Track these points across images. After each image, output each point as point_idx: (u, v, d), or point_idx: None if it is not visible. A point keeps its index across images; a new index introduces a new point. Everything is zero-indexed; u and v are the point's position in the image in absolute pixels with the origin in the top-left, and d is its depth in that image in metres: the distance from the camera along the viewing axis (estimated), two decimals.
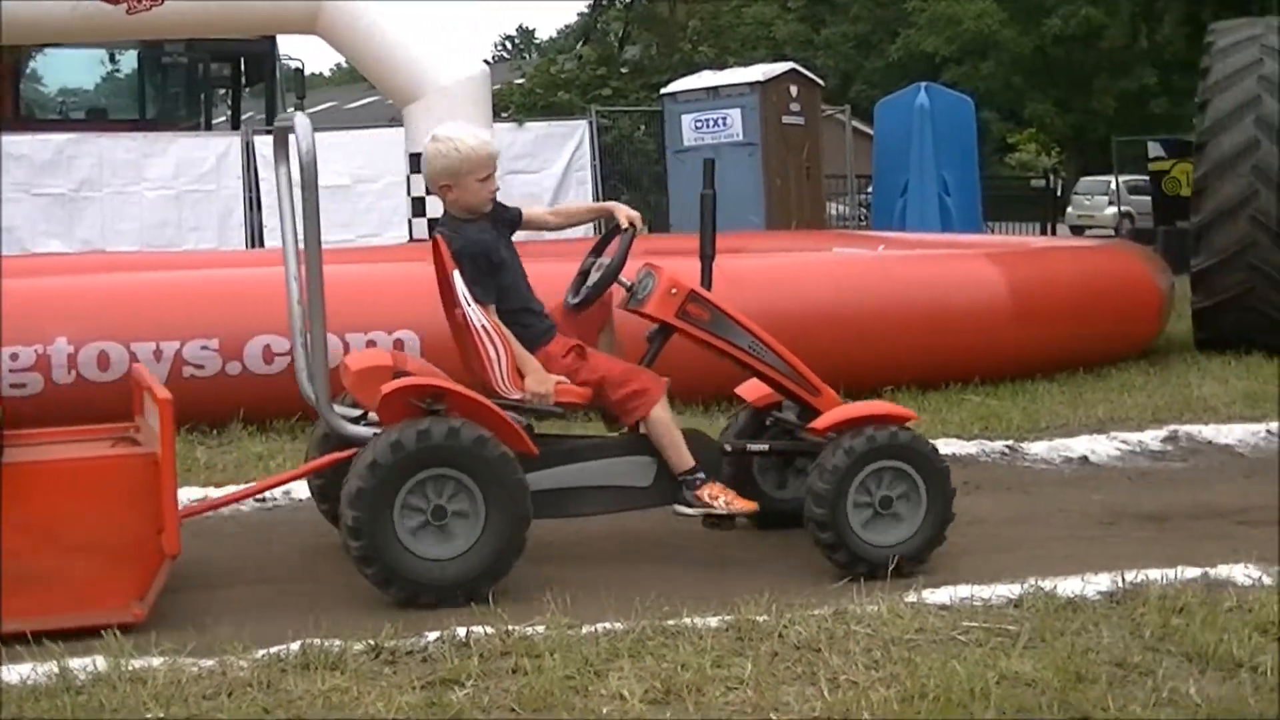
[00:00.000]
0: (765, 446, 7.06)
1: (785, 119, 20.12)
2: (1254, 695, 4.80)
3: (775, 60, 25.80)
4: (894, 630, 5.39)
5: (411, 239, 15.43)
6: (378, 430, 6.22)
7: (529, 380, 6.46)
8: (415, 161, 15.16)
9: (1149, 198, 28.58)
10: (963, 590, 5.90)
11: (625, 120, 25.99)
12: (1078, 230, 41.71)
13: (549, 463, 6.50)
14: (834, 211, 27.54)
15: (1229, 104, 13.47)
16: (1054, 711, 4.65)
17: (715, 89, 20.78)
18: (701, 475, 6.58)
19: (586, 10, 36.18)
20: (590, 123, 23.59)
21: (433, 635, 5.36)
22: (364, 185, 21.69)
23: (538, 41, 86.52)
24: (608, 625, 5.46)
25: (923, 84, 21.11)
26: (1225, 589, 6.01)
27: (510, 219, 6.85)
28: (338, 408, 6.52)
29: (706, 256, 7.04)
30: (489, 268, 6.49)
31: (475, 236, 6.51)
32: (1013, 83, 53.56)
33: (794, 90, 20.45)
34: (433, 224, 14.72)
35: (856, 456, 6.45)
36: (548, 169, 23.15)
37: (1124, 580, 6.04)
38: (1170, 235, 21.52)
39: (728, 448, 6.93)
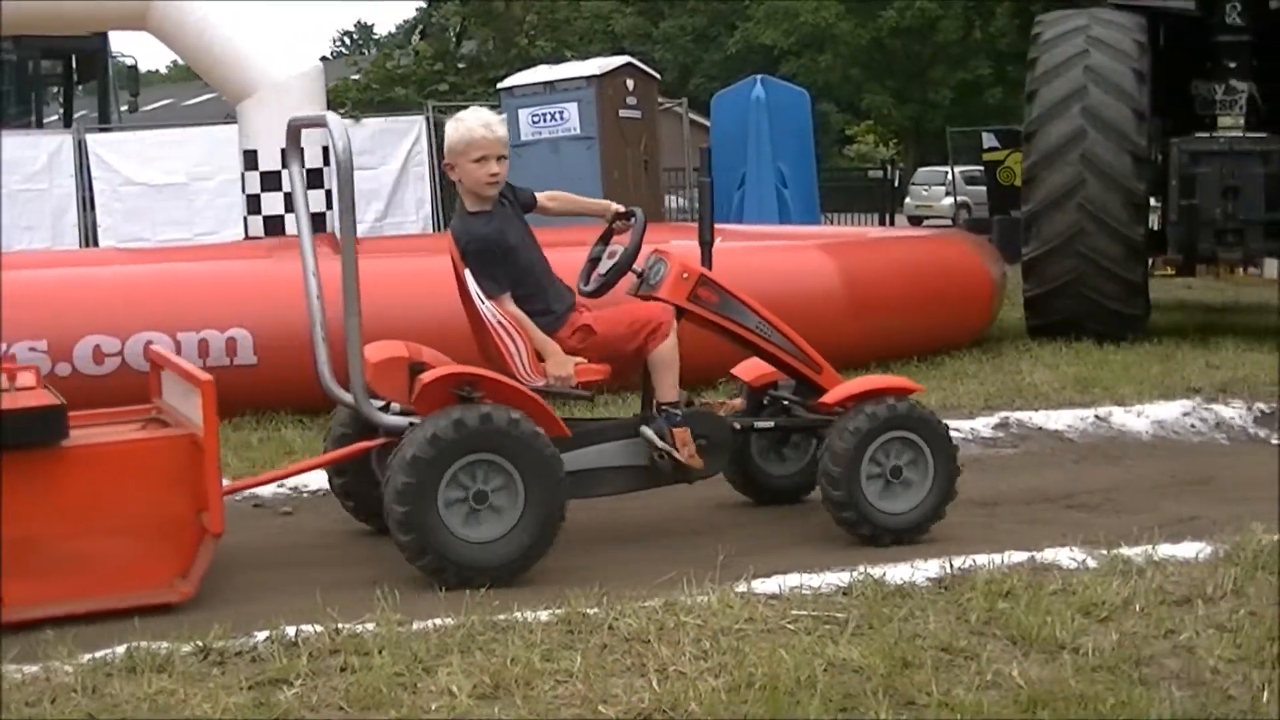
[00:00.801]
0: (772, 424, 7.33)
1: (622, 112, 20.13)
2: (1074, 676, 4.87)
3: (613, 54, 25.82)
4: (724, 620, 5.40)
5: (247, 237, 15.25)
6: (413, 420, 6.37)
7: (550, 364, 6.66)
8: (250, 158, 15.00)
9: (984, 187, 28.90)
10: (792, 579, 5.92)
11: None
12: (916, 221, 42.09)
13: (570, 445, 6.68)
14: (673, 204, 27.59)
15: (1056, 94, 13.67)
16: (880, 697, 4.68)
17: (552, 83, 20.76)
18: (680, 415, 6.85)
19: (424, 6, 35.96)
20: (427, 118, 23.47)
21: (261, 635, 5.30)
22: (200, 183, 21.49)
23: (376, 37, 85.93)
24: (438, 621, 5.43)
25: (759, 77, 21.19)
26: (1051, 572, 6.09)
27: (523, 202, 6.98)
28: (347, 395, 6.64)
29: (706, 242, 7.46)
30: (497, 258, 6.64)
31: (479, 231, 6.65)
32: (850, 75, 54.06)
33: (631, 84, 20.47)
34: (269, 221, 14.64)
35: (868, 429, 6.82)
36: (385, 165, 23.04)
37: (952, 566, 6.10)
38: (1005, 224, 21.74)
39: (737, 425, 7.17)
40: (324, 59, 17.68)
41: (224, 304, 9.91)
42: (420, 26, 35.51)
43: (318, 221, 14.99)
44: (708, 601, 5.62)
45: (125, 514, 6.02)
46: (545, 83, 20.86)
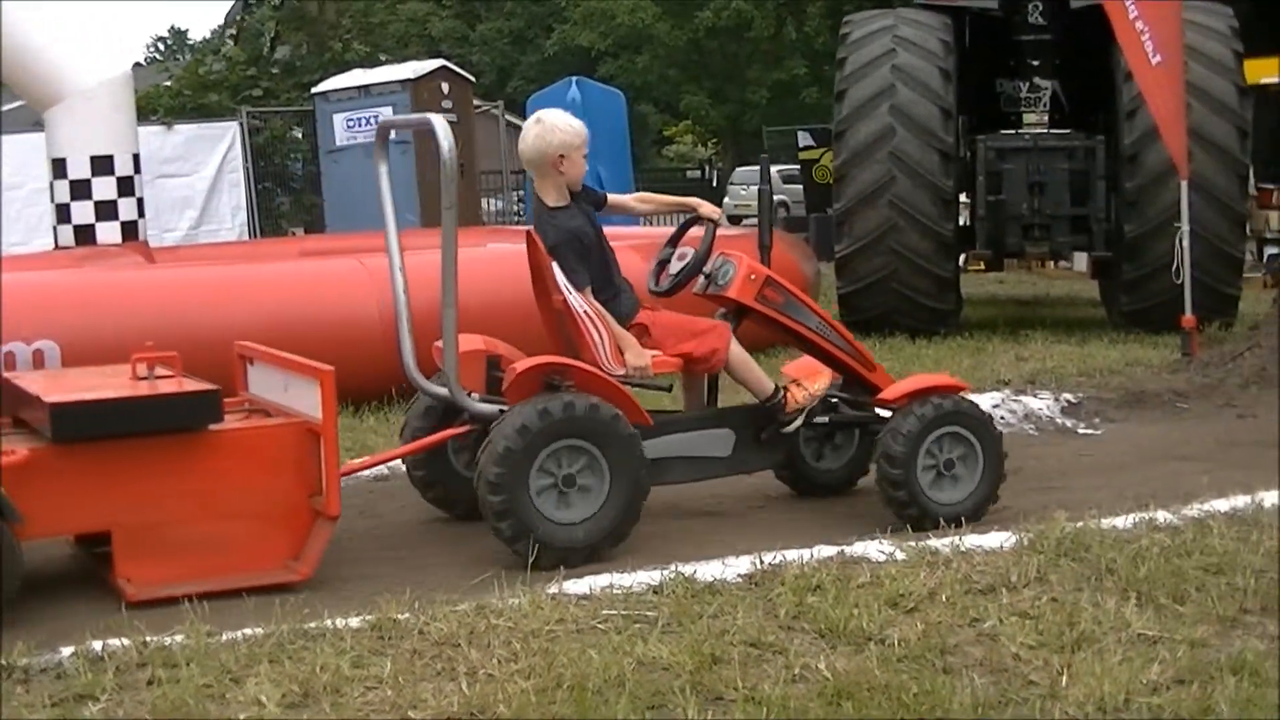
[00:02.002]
0: (827, 419, 7.64)
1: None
2: (880, 667, 4.94)
3: (429, 57, 25.72)
4: (534, 622, 5.42)
5: (57, 247, 15.00)
6: (503, 407, 6.70)
7: (629, 355, 7.01)
8: (58, 167, 14.78)
9: (801, 186, 29.19)
10: (603, 579, 5.96)
11: (277, 121, 25.68)
12: (735, 220, 42.26)
13: (649, 434, 7.00)
14: (491, 207, 27.53)
15: (865, 93, 13.88)
16: (688, 694, 4.72)
17: (366, 87, 20.70)
18: (782, 391, 7.37)
19: (237, 10, 35.55)
20: (241, 124, 23.25)
21: (67, 651, 5.23)
22: (11, 192, 21.05)
23: (191, 42, 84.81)
24: (248, 631, 5.40)
25: (574, 78, 21.23)
26: (860, 565, 6.17)
27: (594, 201, 7.37)
28: (433, 386, 7.07)
29: (765, 246, 7.75)
30: (582, 252, 7.01)
31: (567, 225, 7.02)
32: (668, 75, 54.22)
33: (445, 87, 20.45)
34: (79, 231, 14.41)
35: (927, 422, 7.17)
36: (199, 172, 22.77)
37: (762, 562, 6.16)
38: (821, 222, 22.02)
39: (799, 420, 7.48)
40: (138, 65, 17.40)
41: (31, 315, 9.73)
42: (233, 31, 35.08)
43: (129, 230, 14.82)
44: (519, 604, 5.64)
45: (252, 497, 6.37)
46: (360, 87, 20.79)
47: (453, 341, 6.70)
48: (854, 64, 14.11)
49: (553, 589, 5.86)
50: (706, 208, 7.57)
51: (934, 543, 6.48)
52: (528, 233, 7.16)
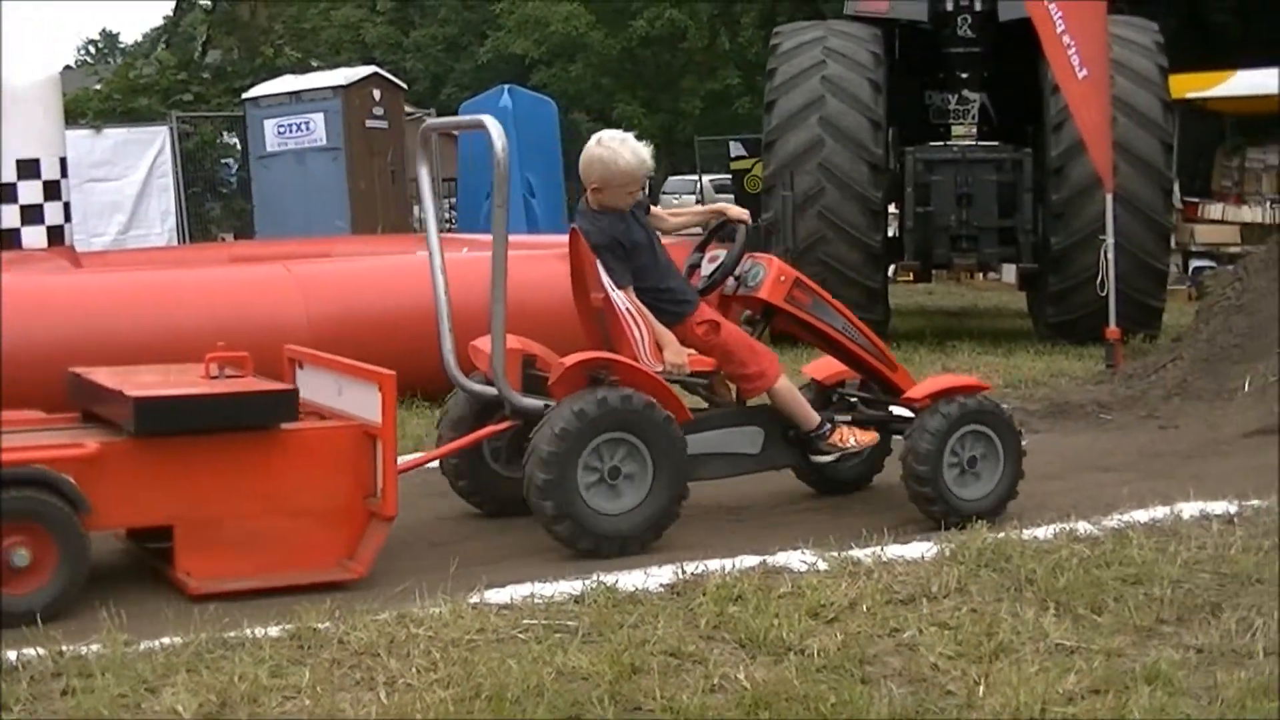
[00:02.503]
0: (849, 418, 7.76)
1: (369, 122, 20.08)
2: (799, 677, 4.95)
3: (363, 64, 25.66)
4: (455, 631, 5.40)
5: None
6: (547, 402, 6.91)
7: (667, 353, 7.19)
8: None
9: (733, 196, 29.25)
10: (525, 589, 5.94)
11: (207, 126, 25.56)
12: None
13: (686, 430, 7.15)
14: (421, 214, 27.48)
15: (795, 104, 13.94)
16: (606, 703, 4.73)
17: (298, 93, 20.63)
18: (829, 426, 7.49)
19: (169, 14, 35.34)
20: (171, 129, 23.12)
21: None
22: None
23: (122, 46, 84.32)
24: (166, 640, 5.34)
25: (506, 86, 21.24)
26: (782, 575, 6.19)
27: (644, 204, 7.48)
28: (473, 384, 7.30)
29: (789, 249, 8.00)
30: (625, 253, 7.17)
31: (609, 228, 7.18)
32: (602, 84, 54.31)
33: (377, 94, 20.43)
34: (4, 235, 14.29)
35: (952, 421, 7.37)
36: (129, 176, 22.63)
37: (684, 571, 6.17)
38: (752, 232, 22.05)
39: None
40: (67, 68, 17.29)
41: None
42: (165, 35, 34.90)
43: (55, 234, 14.71)
44: (439, 613, 5.62)
45: (312, 497, 6.50)
46: (291, 93, 20.72)
47: (501, 340, 6.92)
48: (784, 75, 14.17)
49: (474, 598, 5.84)
50: (735, 211, 7.76)
51: (856, 553, 6.49)
52: (571, 230, 7.39)
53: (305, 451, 6.51)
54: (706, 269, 7.69)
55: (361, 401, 6.59)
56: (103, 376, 6.73)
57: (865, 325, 7.91)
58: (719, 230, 7.84)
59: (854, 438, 7.57)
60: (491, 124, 6.80)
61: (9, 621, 5.61)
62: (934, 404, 7.46)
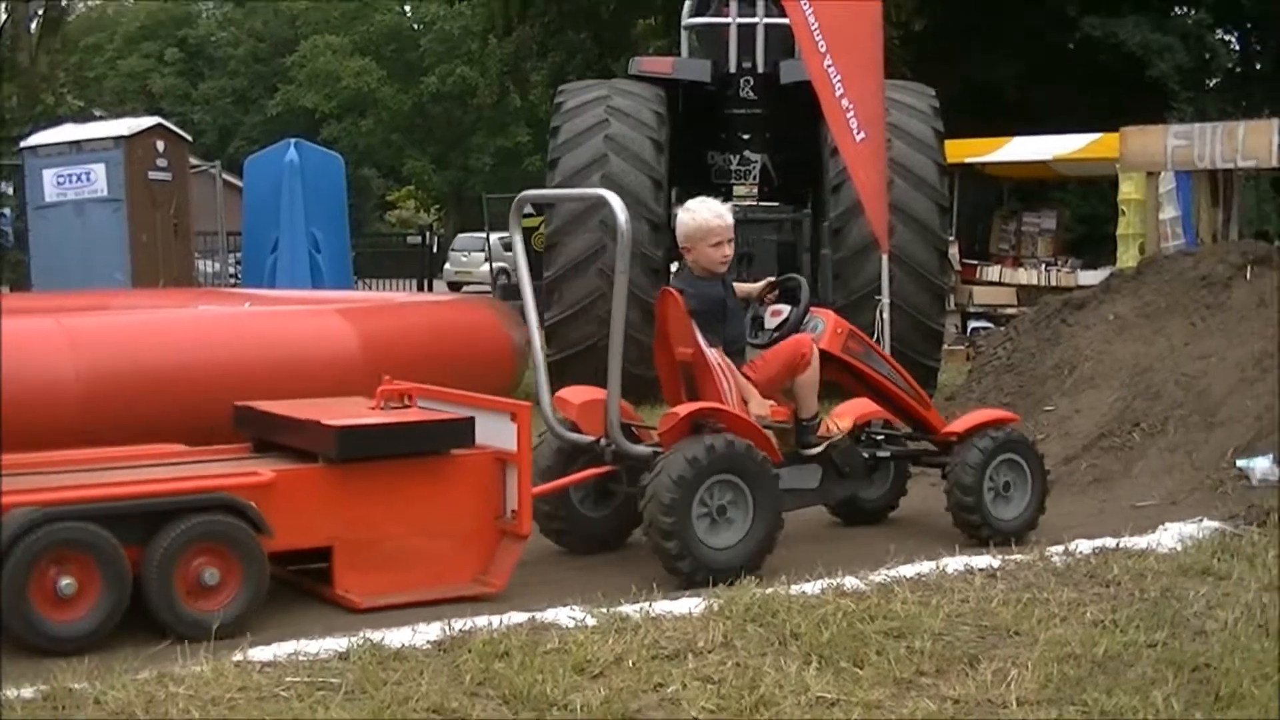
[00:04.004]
0: (889, 453, 8.86)
1: (151, 174, 19.76)
2: None
3: (150, 114, 25.31)
4: (216, 690, 5.35)
5: None
6: (656, 448, 7.70)
7: (752, 405, 8.04)
8: None
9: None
10: (289, 646, 5.90)
11: None
12: (455, 286, 42.33)
13: None
14: (208, 269, 27.15)
15: (578, 162, 13.96)
16: None
17: (78, 143, 20.25)
18: (819, 421, 8.39)
19: None
20: None
21: None
22: None
23: None
24: None
25: (293, 140, 21.02)
26: (550, 632, 6.21)
27: (731, 279, 8.48)
28: (566, 431, 8.06)
29: (827, 303, 8.57)
30: (721, 317, 8.13)
31: (710, 293, 8.13)
32: (392, 140, 54.24)
33: (161, 145, 20.11)
34: None
35: (989, 452, 8.46)
36: None
37: (451, 628, 6.17)
38: (540, 290, 22.07)
39: (867, 455, 8.66)
40: None
41: None
42: None
43: None
44: (201, 671, 5.55)
45: (457, 518, 7.29)
46: (71, 142, 20.33)
47: (616, 394, 7.69)
48: (567, 133, 14.20)
49: (238, 656, 5.79)
50: (769, 283, 8.80)
51: (625, 609, 6.55)
52: (665, 291, 8.10)
53: (457, 476, 7.27)
54: (771, 322, 8.56)
55: (496, 431, 7.33)
56: (278, 408, 7.58)
57: (903, 369, 8.91)
58: (779, 286, 8.75)
59: (835, 427, 8.50)
60: (613, 198, 7.56)
61: (202, 634, 6.19)
62: (970, 438, 8.51)
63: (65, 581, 6.15)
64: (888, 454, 8.84)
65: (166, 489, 6.63)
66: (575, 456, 8.11)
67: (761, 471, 7.61)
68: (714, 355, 7.97)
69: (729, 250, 8.21)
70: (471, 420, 7.35)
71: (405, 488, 7.11)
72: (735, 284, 8.67)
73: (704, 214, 8.17)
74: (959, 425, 8.71)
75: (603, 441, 7.89)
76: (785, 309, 8.56)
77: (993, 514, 8.41)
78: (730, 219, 8.23)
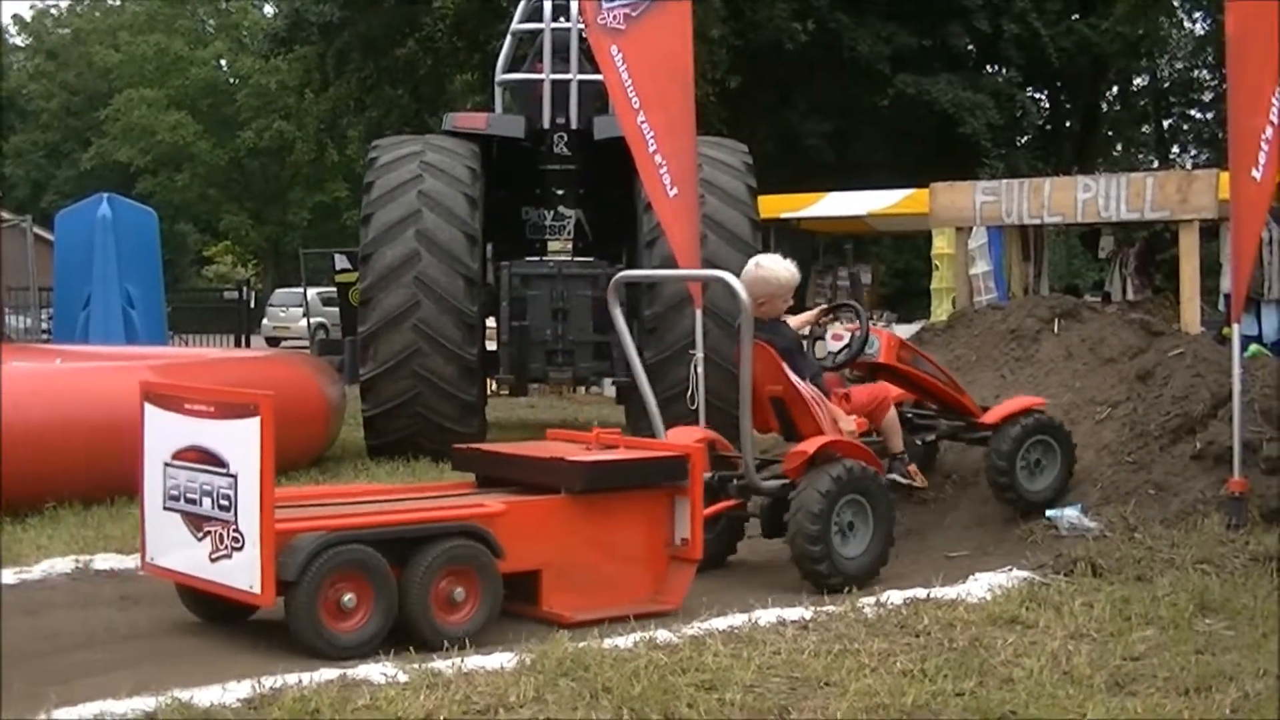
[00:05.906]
0: (934, 436, 10.29)
1: None
2: None
3: None
4: None
5: None
6: (781, 479, 8.92)
7: (842, 424, 9.08)
8: None
9: (339, 309, 29.10)
10: (95, 706, 5.82)
11: None
12: (274, 342, 41.92)
13: None
14: (21, 324, 26.74)
15: (391, 217, 13.90)
16: None
17: None
18: (906, 456, 9.69)
19: None
20: None
21: None
22: None
23: None
24: None
25: (105, 195, 20.76)
26: (361, 688, 6.18)
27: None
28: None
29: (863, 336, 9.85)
30: (801, 352, 9.33)
31: (789, 334, 9.33)
32: (209, 194, 53.71)
33: None
34: None
35: (1021, 435, 9.80)
36: None
37: (261, 685, 6.12)
38: (355, 345, 21.98)
39: (917, 440, 10.09)
40: None
41: None
42: None
43: None
44: None
45: (641, 543, 8.23)
46: None
47: (749, 438, 8.81)
48: (381, 188, 14.14)
49: (40, 718, 5.70)
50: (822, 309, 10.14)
51: (438, 664, 6.54)
52: (757, 342, 8.78)
53: (643, 507, 8.19)
54: (833, 345, 9.77)
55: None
56: (513, 449, 8.84)
57: (945, 368, 10.30)
58: (834, 310, 10.00)
59: (918, 478, 9.83)
60: (732, 280, 8.63)
61: (438, 644, 7.04)
62: (1006, 423, 9.81)
63: (347, 596, 7.08)
64: (932, 438, 10.25)
65: (425, 517, 7.65)
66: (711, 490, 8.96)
67: (881, 491, 8.84)
68: (806, 389, 9.00)
69: (780, 305, 9.24)
70: (686, 458, 8.23)
71: (607, 518, 8.07)
72: (788, 317, 9.62)
73: (784, 275, 9.20)
74: (998, 411, 9.96)
75: (719, 477, 9.05)
76: (845, 334, 9.75)
77: (1025, 486, 9.80)
78: (798, 272, 9.39)
